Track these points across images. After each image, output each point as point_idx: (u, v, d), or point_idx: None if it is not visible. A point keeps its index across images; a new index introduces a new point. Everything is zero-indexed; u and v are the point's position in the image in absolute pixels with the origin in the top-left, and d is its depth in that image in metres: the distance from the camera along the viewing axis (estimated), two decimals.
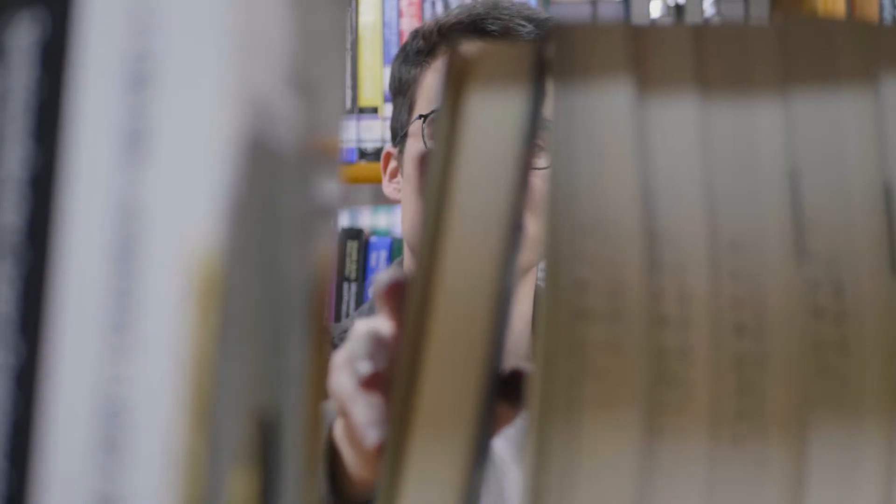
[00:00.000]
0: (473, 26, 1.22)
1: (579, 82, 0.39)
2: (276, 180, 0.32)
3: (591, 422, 0.38)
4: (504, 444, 1.24)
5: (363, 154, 2.11)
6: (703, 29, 0.40)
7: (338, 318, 1.99)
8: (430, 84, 1.25)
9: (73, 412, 0.29)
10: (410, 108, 1.27)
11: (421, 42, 1.26)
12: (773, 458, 0.38)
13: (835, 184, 0.39)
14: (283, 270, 0.35)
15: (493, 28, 1.21)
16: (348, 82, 2.11)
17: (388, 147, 1.34)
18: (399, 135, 1.29)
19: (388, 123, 2.14)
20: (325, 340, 0.37)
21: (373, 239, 2.06)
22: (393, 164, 1.32)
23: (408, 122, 1.27)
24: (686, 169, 0.39)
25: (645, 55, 0.40)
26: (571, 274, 0.38)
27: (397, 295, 0.52)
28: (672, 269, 0.38)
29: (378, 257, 2.05)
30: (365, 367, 0.60)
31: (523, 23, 1.21)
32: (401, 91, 1.29)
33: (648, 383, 0.38)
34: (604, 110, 0.39)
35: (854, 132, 0.39)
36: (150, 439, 0.29)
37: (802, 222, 0.39)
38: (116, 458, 0.29)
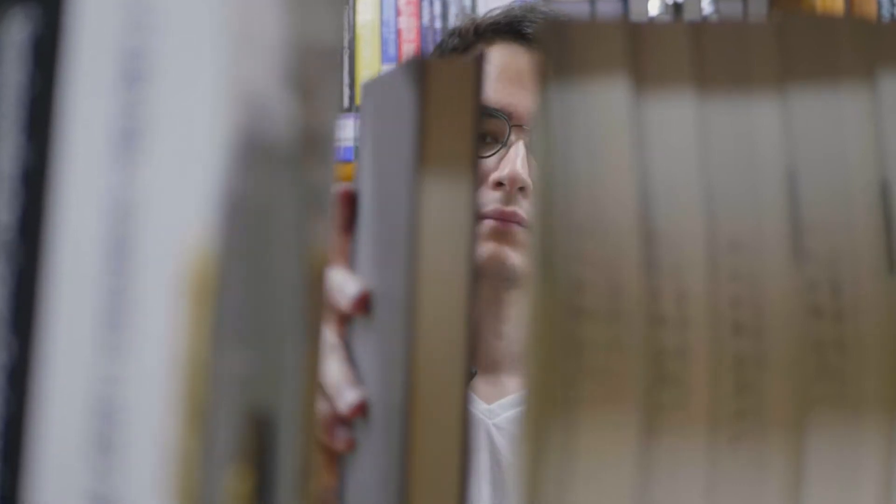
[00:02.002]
0: (510, 28, 1.23)
1: (576, 81, 0.39)
2: (272, 178, 0.32)
3: (589, 421, 0.38)
4: (509, 443, 1.24)
5: None
6: (702, 27, 0.40)
7: None
8: None
9: (67, 411, 0.29)
10: None
11: (457, 40, 1.26)
12: (772, 458, 0.38)
13: (833, 183, 0.39)
14: (279, 269, 0.34)
15: (530, 32, 1.21)
16: (346, 81, 2.11)
17: None
18: None
19: None
20: (321, 339, 0.37)
21: None
22: None
23: None
24: (684, 168, 0.39)
25: (643, 53, 0.39)
26: (569, 273, 0.38)
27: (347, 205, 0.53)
28: (670, 269, 0.38)
29: None
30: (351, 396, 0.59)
31: None
32: None
33: (647, 383, 0.38)
34: (601, 109, 0.39)
35: (853, 130, 0.39)
36: (144, 438, 0.28)
37: (801, 221, 0.38)
38: (110, 458, 0.29)
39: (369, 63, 2.12)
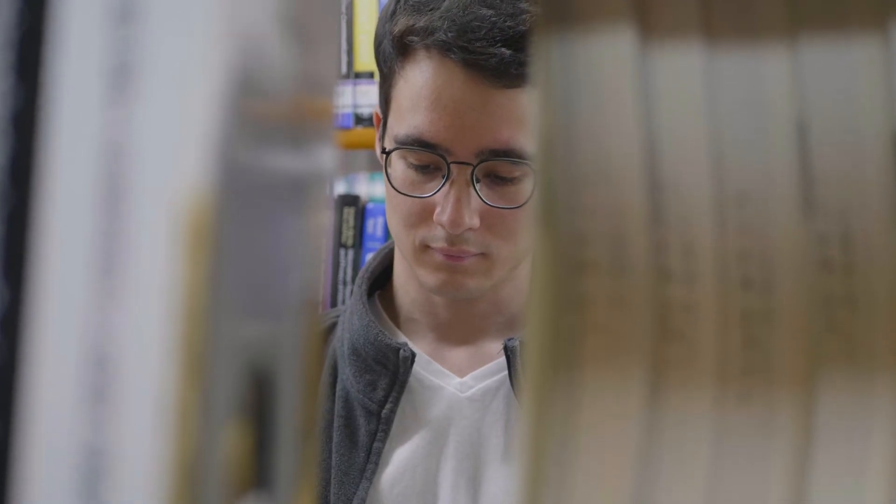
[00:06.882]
0: (447, 46, 1.16)
1: (580, 31, 0.38)
2: (268, 124, 0.32)
3: (593, 379, 0.37)
4: (483, 416, 1.23)
5: (359, 119, 2.11)
6: None
7: (334, 285, 1.99)
8: (401, 95, 1.21)
9: (60, 361, 0.28)
10: (387, 102, 1.24)
11: (395, 39, 1.21)
12: (780, 416, 0.38)
13: (844, 133, 0.38)
14: (278, 223, 0.34)
15: (457, 58, 1.16)
16: (344, 47, 2.10)
17: (377, 108, 1.32)
18: (381, 110, 1.27)
19: None
20: (321, 301, 0.37)
21: (370, 205, 2.06)
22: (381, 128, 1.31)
23: (386, 111, 1.24)
24: (691, 118, 0.38)
25: (649, 3, 0.39)
26: (572, 226, 0.37)
27: None
28: (677, 221, 0.38)
29: (375, 224, 2.05)
30: None
31: (493, 52, 1.14)
32: (381, 71, 1.26)
33: (652, 339, 0.37)
34: (606, 59, 0.38)
35: (864, 80, 0.38)
36: (139, 389, 0.28)
37: (811, 173, 0.38)
38: (105, 409, 0.28)
39: (367, 29, 2.11)
